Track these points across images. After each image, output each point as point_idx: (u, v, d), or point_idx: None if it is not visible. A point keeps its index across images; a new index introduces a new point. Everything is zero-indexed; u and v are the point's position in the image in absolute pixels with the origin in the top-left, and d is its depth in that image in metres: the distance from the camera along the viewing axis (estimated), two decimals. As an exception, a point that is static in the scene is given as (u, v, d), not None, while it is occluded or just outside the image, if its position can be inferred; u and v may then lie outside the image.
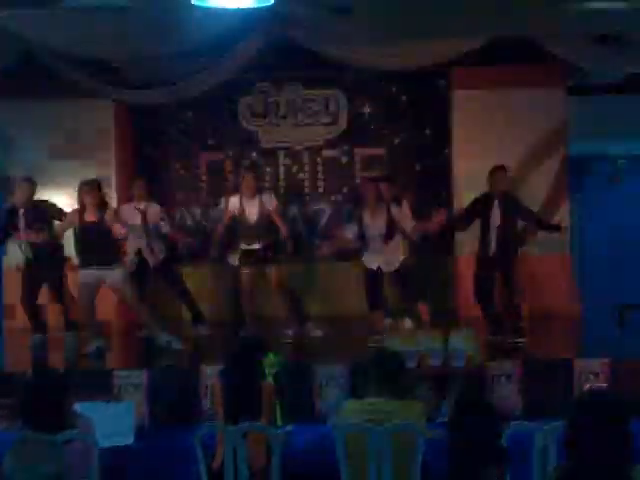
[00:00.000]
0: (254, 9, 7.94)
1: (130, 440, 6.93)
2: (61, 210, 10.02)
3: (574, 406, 3.97)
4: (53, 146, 11.67)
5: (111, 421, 6.73)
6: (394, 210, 9.68)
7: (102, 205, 9.39)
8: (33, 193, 10.03)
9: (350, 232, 9.88)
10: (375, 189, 9.64)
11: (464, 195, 11.29)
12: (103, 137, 11.72)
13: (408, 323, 9.93)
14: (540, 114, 11.48)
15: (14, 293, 11.35)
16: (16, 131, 11.74)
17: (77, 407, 5.70)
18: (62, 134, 11.68)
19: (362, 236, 9.71)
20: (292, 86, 12.31)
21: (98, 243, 9.28)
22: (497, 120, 11.49)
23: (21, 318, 11.03)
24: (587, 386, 7.71)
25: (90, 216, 9.31)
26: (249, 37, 9.26)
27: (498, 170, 9.72)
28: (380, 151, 12.30)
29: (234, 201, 10.24)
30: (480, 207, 9.74)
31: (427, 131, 12.33)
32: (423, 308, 9.86)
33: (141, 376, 7.90)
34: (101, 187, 9.58)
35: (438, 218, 9.84)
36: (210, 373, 7.73)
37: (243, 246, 10.13)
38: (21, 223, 9.88)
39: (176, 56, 10.00)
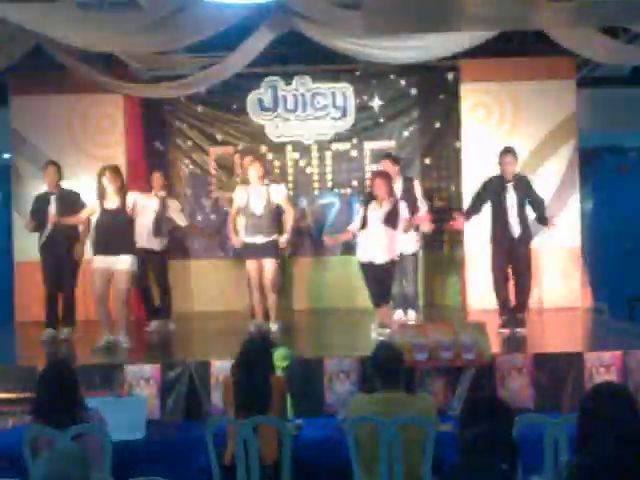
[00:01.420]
0: (263, 3, 7.94)
1: (141, 434, 6.94)
2: (84, 205, 10.03)
3: (585, 399, 3.97)
4: (63, 141, 11.69)
5: (122, 415, 6.74)
6: (401, 205, 9.57)
7: (122, 191, 9.43)
8: (60, 177, 10.09)
9: (354, 225, 9.66)
10: (385, 185, 9.53)
11: (475, 188, 11.29)
12: (113, 132, 11.74)
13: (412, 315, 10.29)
14: (550, 106, 11.47)
15: (26, 288, 11.41)
16: (26, 125, 11.78)
17: (88, 401, 5.73)
18: (72, 129, 11.70)
19: (364, 224, 9.51)
20: (301, 80, 12.34)
21: (116, 229, 9.29)
22: (507, 113, 11.49)
23: (33, 312, 11.07)
24: (598, 379, 7.69)
25: (111, 202, 9.35)
26: (258, 31, 9.26)
27: (508, 152, 9.71)
28: (389, 144, 12.31)
29: (240, 191, 10.16)
30: (492, 189, 9.69)
31: (437, 124, 12.34)
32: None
33: (152, 371, 7.92)
34: (121, 173, 9.63)
35: (456, 224, 9.87)
36: (221, 367, 7.75)
37: (246, 238, 10.01)
38: (52, 209, 9.92)
39: (186, 50, 10.01)
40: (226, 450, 5.90)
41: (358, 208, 10.06)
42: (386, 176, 9.58)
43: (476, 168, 11.26)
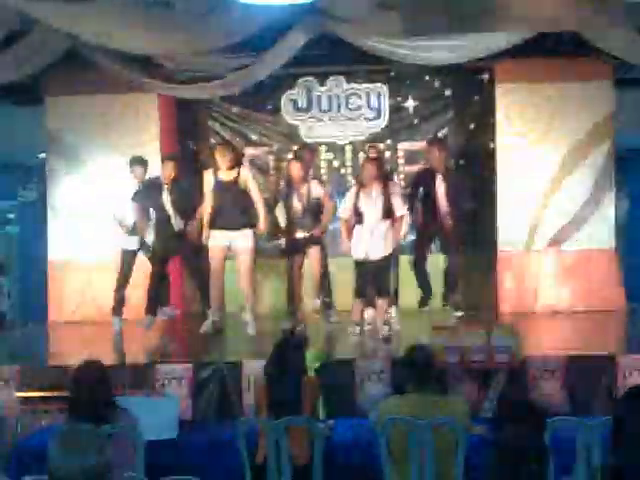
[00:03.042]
0: (297, 4, 7.95)
1: (173, 434, 6.96)
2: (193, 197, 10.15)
3: (619, 402, 3.95)
4: (97, 140, 11.74)
5: (155, 415, 6.76)
6: (392, 186, 9.62)
7: (237, 165, 9.64)
8: (177, 171, 10.16)
9: (344, 210, 9.61)
10: (374, 168, 9.51)
11: (509, 190, 11.25)
12: (147, 132, 11.77)
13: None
14: (586, 107, 11.37)
15: (60, 287, 11.48)
16: (62, 126, 11.84)
17: (121, 401, 5.75)
18: (106, 128, 11.75)
19: (358, 215, 9.45)
20: (335, 80, 12.32)
21: (231, 203, 9.47)
22: (541, 114, 11.40)
23: (66, 311, 11.15)
24: (631, 382, 7.62)
25: (225, 176, 9.53)
26: (292, 32, 9.25)
27: (432, 146, 10.09)
28: (423, 145, 12.26)
29: (282, 188, 10.37)
30: (422, 182, 9.92)
31: (471, 125, 12.28)
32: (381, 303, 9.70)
33: (184, 370, 7.94)
34: (235, 148, 9.97)
35: None
36: (253, 367, 7.76)
37: (286, 235, 10.15)
38: (166, 199, 9.98)
39: (220, 51, 10.03)
40: (258, 450, 5.91)
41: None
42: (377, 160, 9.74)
43: (511, 169, 11.22)
